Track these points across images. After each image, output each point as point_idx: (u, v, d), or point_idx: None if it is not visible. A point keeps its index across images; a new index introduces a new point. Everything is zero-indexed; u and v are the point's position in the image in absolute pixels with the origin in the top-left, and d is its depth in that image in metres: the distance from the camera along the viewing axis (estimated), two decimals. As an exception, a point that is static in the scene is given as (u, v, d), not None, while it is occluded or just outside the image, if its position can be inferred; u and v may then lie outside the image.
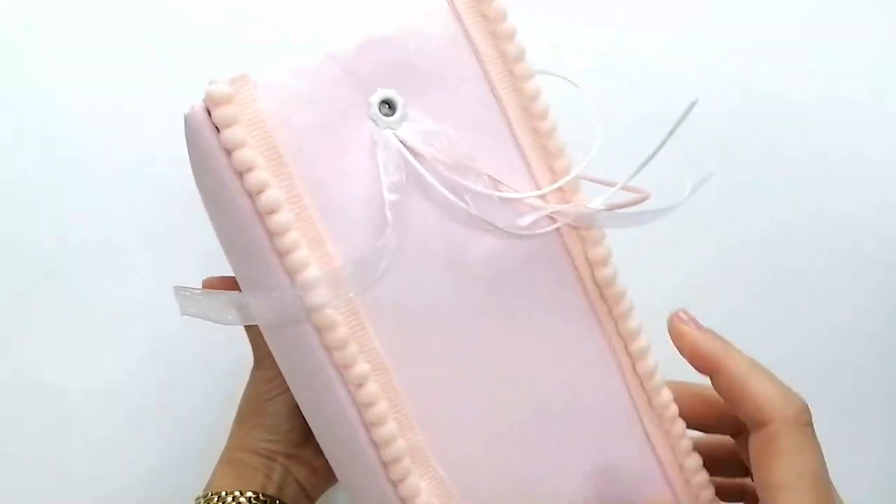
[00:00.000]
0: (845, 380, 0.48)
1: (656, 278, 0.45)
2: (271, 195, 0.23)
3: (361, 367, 0.24)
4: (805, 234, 0.48)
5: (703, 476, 0.29)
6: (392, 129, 0.25)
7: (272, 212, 0.23)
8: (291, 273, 0.24)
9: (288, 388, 0.37)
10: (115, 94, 0.45)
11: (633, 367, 0.28)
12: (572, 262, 0.27)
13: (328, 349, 0.24)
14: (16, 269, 0.45)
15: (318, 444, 0.38)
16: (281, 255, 0.24)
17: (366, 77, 0.25)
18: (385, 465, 0.25)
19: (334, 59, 0.24)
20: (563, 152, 0.26)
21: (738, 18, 0.48)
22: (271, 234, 0.24)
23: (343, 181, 0.24)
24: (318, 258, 0.24)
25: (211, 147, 0.24)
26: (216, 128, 0.23)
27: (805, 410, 0.28)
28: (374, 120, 0.25)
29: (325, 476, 0.37)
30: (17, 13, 0.45)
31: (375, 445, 0.25)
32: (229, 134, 0.23)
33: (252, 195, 0.23)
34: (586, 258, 0.27)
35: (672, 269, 0.47)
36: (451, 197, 0.25)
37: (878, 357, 0.48)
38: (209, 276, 0.41)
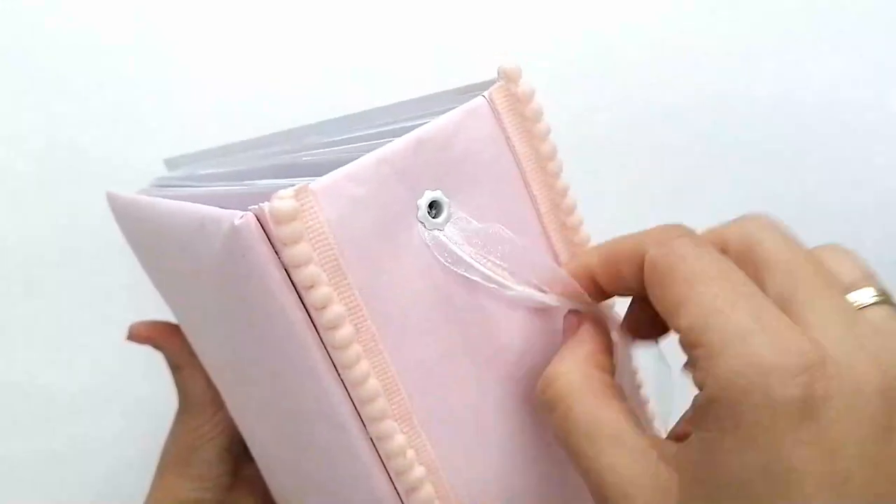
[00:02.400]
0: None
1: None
2: (335, 311, 0.22)
3: (418, 472, 0.24)
4: (802, 234, 0.50)
5: None
6: (439, 229, 0.25)
7: (334, 328, 0.22)
8: (351, 385, 0.23)
9: (220, 434, 0.36)
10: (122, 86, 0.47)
11: None
12: None
13: (385, 457, 0.24)
14: (11, 268, 0.46)
15: (247, 488, 0.38)
16: (340, 368, 0.23)
17: (414, 179, 0.24)
18: None
19: (386, 161, 0.24)
20: (587, 245, 0.28)
21: (740, 20, 0.50)
22: (331, 349, 0.23)
23: (397, 286, 0.24)
24: (375, 367, 0.24)
25: (262, 262, 0.22)
26: (271, 242, 0.22)
27: (672, 227, 0.24)
28: (422, 222, 0.25)
29: None
30: None
31: None
32: (294, 251, 0.22)
33: (312, 310, 0.23)
34: None
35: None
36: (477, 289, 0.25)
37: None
38: (136, 322, 0.39)
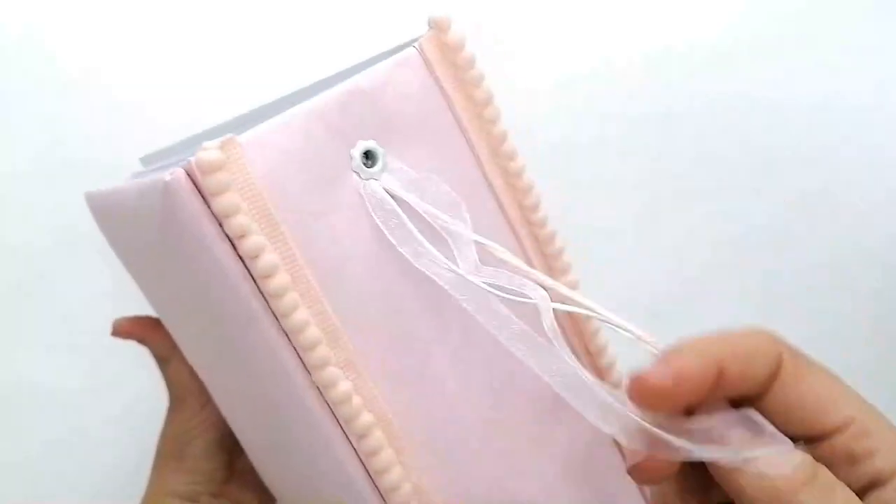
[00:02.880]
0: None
1: (651, 275, 0.47)
2: (267, 259, 0.23)
3: (365, 418, 0.25)
4: (803, 233, 0.49)
5: None
6: (375, 179, 0.25)
7: (269, 276, 0.23)
8: (292, 333, 0.24)
9: (209, 428, 0.37)
10: (119, 93, 0.47)
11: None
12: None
13: (332, 404, 0.24)
14: (8, 268, 0.47)
15: (242, 481, 0.38)
16: (279, 317, 0.23)
17: (346, 130, 0.25)
18: None
19: (314, 113, 0.24)
20: (532, 191, 0.28)
21: (740, 19, 0.50)
22: (269, 297, 0.23)
23: (334, 236, 0.24)
24: (315, 315, 0.24)
25: (195, 215, 0.23)
26: (202, 194, 0.23)
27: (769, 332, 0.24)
28: (356, 172, 0.25)
29: None
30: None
31: (382, 495, 0.25)
32: (223, 201, 0.22)
33: (246, 260, 0.23)
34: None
35: (667, 266, 0.48)
36: (432, 250, 0.25)
37: (877, 357, 0.50)
38: (119, 317, 0.39)
